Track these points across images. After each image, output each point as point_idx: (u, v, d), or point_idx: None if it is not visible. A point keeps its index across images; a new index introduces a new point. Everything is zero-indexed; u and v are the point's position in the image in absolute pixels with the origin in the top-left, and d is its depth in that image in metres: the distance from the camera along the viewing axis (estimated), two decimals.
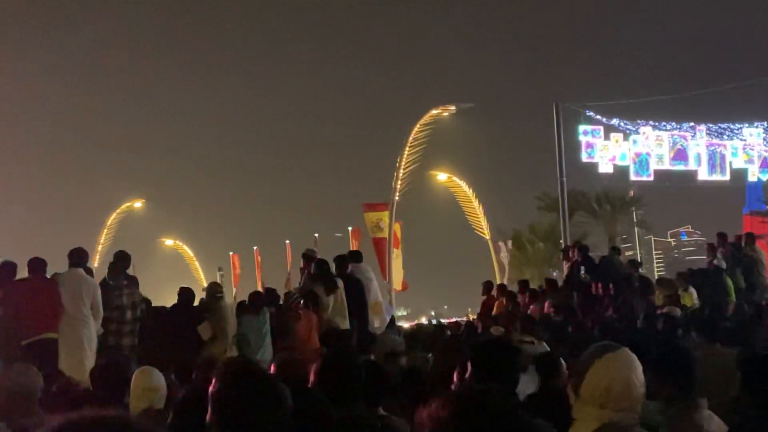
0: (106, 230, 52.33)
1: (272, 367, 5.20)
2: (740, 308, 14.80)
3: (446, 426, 1.60)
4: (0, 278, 10.41)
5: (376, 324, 12.67)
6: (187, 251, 56.89)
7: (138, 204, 52.92)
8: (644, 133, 30.28)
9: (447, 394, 1.70)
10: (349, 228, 39.01)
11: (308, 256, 13.58)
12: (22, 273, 10.41)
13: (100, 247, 48.58)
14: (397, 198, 36.55)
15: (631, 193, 46.90)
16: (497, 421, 1.60)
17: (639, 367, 3.79)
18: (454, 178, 43.42)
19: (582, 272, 16.52)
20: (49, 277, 10.29)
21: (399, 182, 36.81)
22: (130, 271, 12.06)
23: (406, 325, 21.76)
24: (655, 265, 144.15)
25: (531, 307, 15.60)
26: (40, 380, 3.99)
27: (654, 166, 30.39)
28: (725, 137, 30.96)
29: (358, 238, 37.32)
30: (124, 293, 10.73)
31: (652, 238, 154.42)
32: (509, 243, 41.79)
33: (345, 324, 11.92)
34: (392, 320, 14.35)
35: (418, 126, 38.18)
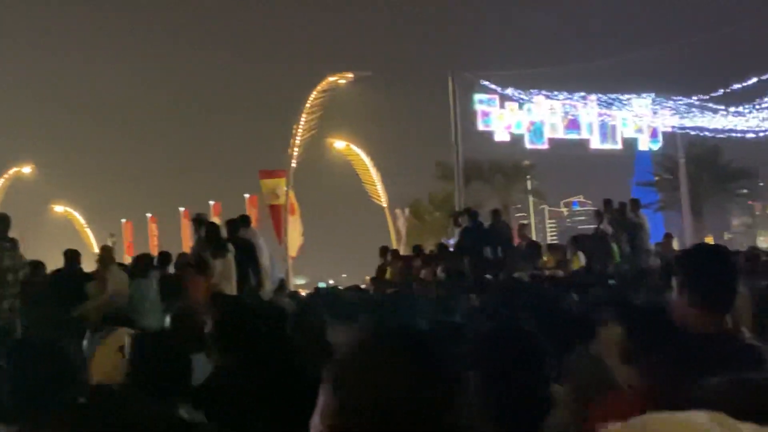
0: None
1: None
2: (622, 272, 15.26)
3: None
4: None
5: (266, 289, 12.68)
6: (78, 218, 55.57)
7: (27, 169, 51.36)
8: (537, 101, 30.69)
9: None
10: (246, 195, 38.73)
11: (198, 221, 13.47)
12: None
13: None
14: (293, 165, 36.34)
15: (526, 162, 47.72)
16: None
17: None
18: (352, 146, 43.43)
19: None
20: None
21: (296, 149, 36.58)
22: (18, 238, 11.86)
23: (303, 293, 21.73)
24: (548, 233, 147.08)
25: (423, 271, 15.79)
26: None
27: (548, 134, 30.90)
28: (614, 107, 31.72)
29: (256, 205, 37.06)
30: (5, 255, 10.51)
31: (546, 208, 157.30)
32: (407, 211, 42.10)
33: (230, 288, 11.85)
34: (282, 284, 14.35)
35: (314, 93, 37.94)
